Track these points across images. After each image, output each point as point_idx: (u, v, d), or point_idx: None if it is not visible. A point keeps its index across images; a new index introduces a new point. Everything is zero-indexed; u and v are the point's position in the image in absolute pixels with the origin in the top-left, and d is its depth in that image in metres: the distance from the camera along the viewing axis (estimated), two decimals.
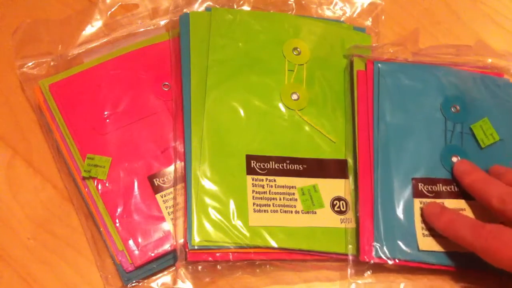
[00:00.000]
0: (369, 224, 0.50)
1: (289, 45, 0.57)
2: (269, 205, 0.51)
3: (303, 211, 0.51)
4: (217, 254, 0.49)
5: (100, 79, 0.55)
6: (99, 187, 0.51)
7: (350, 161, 0.53)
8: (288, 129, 0.54)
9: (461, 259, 0.50)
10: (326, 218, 0.51)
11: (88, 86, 0.55)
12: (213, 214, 0.49)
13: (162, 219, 0.51)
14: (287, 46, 0.57)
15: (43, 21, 0.58)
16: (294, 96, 0.55)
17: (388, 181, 0.51)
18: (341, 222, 0.51)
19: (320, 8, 0.62)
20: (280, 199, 0.51)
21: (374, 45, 0.58)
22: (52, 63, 0.57)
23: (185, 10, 0.58)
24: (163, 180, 0.52)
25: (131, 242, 0.50)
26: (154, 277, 0.51)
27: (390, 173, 0.51)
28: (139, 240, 0.50)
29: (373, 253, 0.49)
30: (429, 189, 0.51)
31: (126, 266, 0.50)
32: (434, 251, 0.50)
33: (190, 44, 0.55)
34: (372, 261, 0.49)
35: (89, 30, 0.58)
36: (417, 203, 0.51)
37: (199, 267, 0.49)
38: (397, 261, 0.49)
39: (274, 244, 0.49)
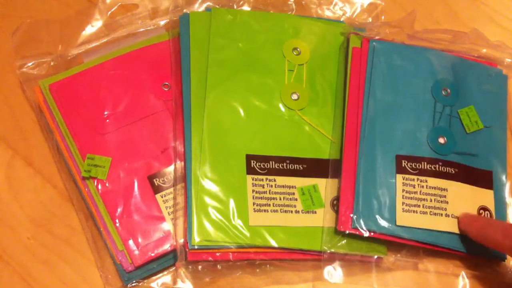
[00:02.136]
0: (350, 196, 0.51)
1: (289, 45, 0.57)
2: (269, 205, 0.51)
3: (303, 211, 0.51)
4: (217, 254, 0.49)
5: (100, 79, 0.55)
6: (99, 187, 0.51)
7: (335, 139, 0.54)
8: (288, 129, 0.54)
9: (438, 238, 0.51)
10: (326, 218, 0.51)
11: (88, 86, 0.55)
12: (213, 213, 0.49)
13: (162, 219, 0.51)
14: (287, 46, 0.57)
15: (43, 21, 0.58)
16: (294, 96, 0.55)
17: (372, 155, 0.52)
18: None
19: (320, 8, 0.62)
20: (280, 199, 0.51)
21: (370, 23, 0.58)
22: (52, 63, 0.57)
23: (185, 10, 0.58)
24: (163, 180, 0.52)
25: (131, 242, 0.50)
26: (154, 277, 0.51)
27: (375, 148, 0.52)
28: (139, 240, 0.50)
29: (350, 224, 0.50)
30: (413, 166, 0.52)
31: (126, 266, 0.50)
32: (411, 227, 0.50)
33: (190, 44, 0.55)
34: (347, 231, 0.50)
35: (89, 30, 0.58)
36: (400, 179, 0.51)
37: (199, 267, 0.49)
38: (372, 234, 0.50)
39: (274, 243, 0.49)
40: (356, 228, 0.50)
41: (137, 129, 0.54)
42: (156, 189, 0.52)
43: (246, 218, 0.50)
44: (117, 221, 0.51)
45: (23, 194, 0.54)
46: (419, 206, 0.51)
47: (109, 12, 0.59)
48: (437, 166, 0.52)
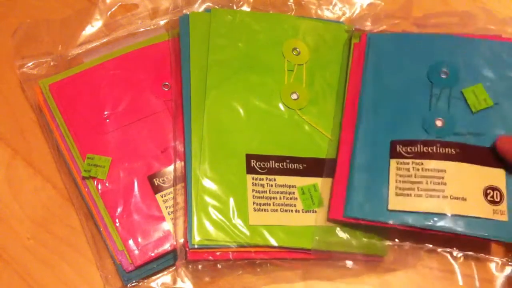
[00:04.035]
0: (342, 185, 0.51)
1: (289, 46, 0.57)
2: (269, 204, 0.51)
3: (303, 210, 0.51)
4: (217, 253, 0.49)
5: (100, 79, 0.55)
6: (99, 187, 0.51)
7: (333, 138, 0.54)
8: (288, 129, 0.54)
9: (433, 220, 0.49)
10: (326, 217, 0.51)
11: (88, 86, 0.55)
12: (213, 213, 0.49)
13: (162, 219, 0.51)
14: (286, 46, 0.57)
15: (43, 21, 0.58)
16: (294, 96, 0.55)
17: (366, 143, 0.52)
18: None
19: (319, 8, 0.62)
20: (280, 198, 0.51)
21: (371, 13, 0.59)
22: (52, 63, 0.57)
23: (185, 11, 0.58)
24: (163, 180, 0.52)
25: (131, 242, 0.50)
26: (154, 277, 0.51)
27: (369, 135, 0.52)
28: (139, 240, 0.50)
29: (342, 212, 0.50)
30: (408, 150, 0.51)
31: (126, 266, 0.50)
32: (404, 212, 0.49)
33: (190, 44, 0.55)
34: (339, 220, 0.50)
35: (89, 30, 0.58)
36: (394, 164, 0.51)
37: (199, 266, 0.49)
38: (363, 221, 0.49)
39: (274, 243, 0.49)
40: (348, 217, 0.49)
41: (137, 129, 0.54)
42: (156, 189, 0.52)
43: (246, 218, 0.50)
44: (117, 221, 0.51)
45: (23, 194, 0.54)
46: (413, 189, 0.50)
47: (109, 12, 0.59)
48: (434, 147, 0.51)
